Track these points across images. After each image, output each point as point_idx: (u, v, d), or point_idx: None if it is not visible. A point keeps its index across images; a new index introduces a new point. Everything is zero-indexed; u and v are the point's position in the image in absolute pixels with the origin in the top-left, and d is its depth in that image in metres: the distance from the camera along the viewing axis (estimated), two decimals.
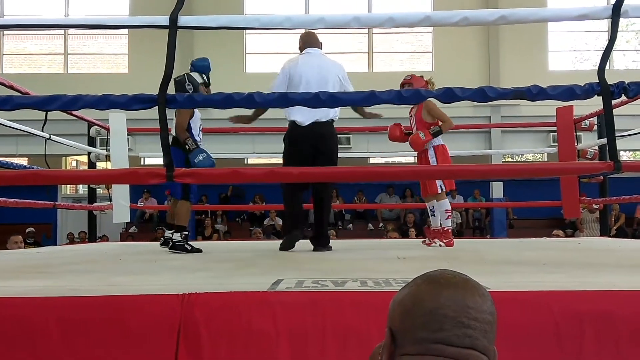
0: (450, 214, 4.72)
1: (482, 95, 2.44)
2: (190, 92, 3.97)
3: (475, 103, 6.37)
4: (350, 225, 13.38)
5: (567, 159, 5.39)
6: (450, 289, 0.91)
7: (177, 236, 4.18)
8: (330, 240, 4.37)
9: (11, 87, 4.03)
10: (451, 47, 12.97)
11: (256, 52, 13.59)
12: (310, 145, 4.25)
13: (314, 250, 4.19)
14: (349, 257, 3.52)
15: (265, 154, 12.03)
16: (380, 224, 13.12)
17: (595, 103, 2.67)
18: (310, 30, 4.54)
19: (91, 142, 5.93)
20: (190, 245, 4.17)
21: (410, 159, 13.24)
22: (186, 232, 4.25)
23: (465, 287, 0.92)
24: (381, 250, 4.26)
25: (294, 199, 4.43)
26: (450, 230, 4.71)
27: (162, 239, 4.69)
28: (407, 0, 13.64)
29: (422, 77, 4.72)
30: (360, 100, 2.92)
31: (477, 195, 13.12)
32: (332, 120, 4.32)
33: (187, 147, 4.12)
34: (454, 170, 3.32)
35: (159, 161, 2.71)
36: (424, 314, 0.89)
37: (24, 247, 6.65)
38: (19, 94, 3.83)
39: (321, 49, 4.48)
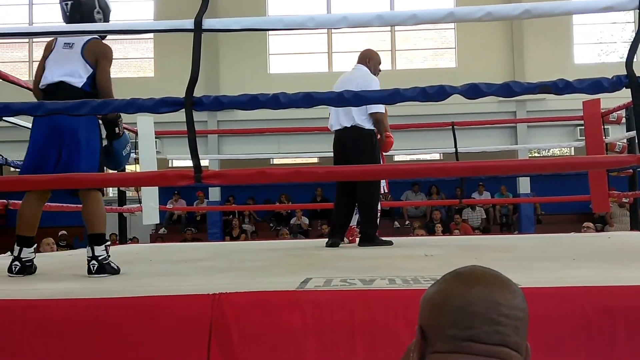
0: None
1: (507, 90, 2.43)
2: (101, 21, 2.94)
3: (500, 98, 6.32)
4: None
5: (595, 152, 5.31)
6: (480, 285, 0.90)
7: None
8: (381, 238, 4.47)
9: None
10: (474, 42, 12.87)
11: (280, 53, 13.64)
12: (339, 150, 4.51)
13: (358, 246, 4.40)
14: (377, 255, 3.53)
15: (290, 154, 12.09)
16: (407, 222, 13.07)
17: (623, 95, 2.63)
18: (367, 49, 4.73)
19: None
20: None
21: (436, 155, 13.20)
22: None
23: (495, 283, 0.91)
24: (408, 247, 4.26)
25: (337, 206, 4.63)
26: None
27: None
28: None
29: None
30: (384, 98, 2.92)
31: (504, 191, 12.98)
32: (357, 127, 4.39)
33: (116, 129, 3.03)
34: (480, 166, 3.30)
35: (187, 163, 2.74)
36: (454, 311, 0.89)
37: (56, 250, 6.78)
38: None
39: (364, 63, 4.56)
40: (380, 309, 1.72)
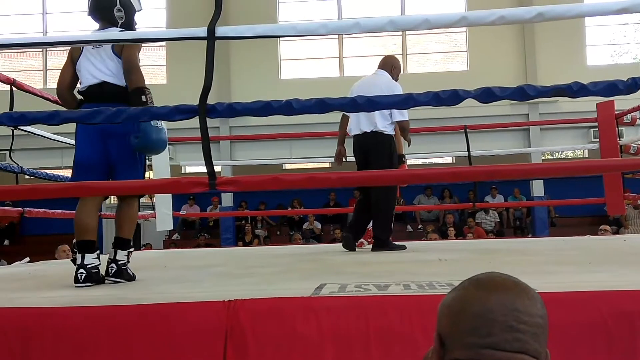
0: None
1: (521, 93, 2.41)
2: (122, 20, 2.89)
3: (513, 101, 6.29)
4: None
5: (609, 155, 5.27)
6: (499, 292, 0.90)
7: None
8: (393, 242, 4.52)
9: (56, 102, 4.15)
10: (486, 45, 12.83)
11: (291, 59, 13.67)
12: (359, 155, 4.55)
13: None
14: (391, 260, 3.52)
15: (302, 159, 12.09)
16: (419, 226, 13.03)
17: (638, 97, 2.62)
18: (390, 55, 4.79)
19: None
20: None
21: (448, 159, 13.16)
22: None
23: (514, 290, 0.91)
24: (422, 252, 4.24)
25: (357, 205, 4.73)
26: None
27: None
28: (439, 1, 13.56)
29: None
30: (397, 103, 2.92)
31: (517, 194, 12.92)
32: (378, 132, 4.42)
33: (142, 97, 2.74)
34: (494, 171, 3.29)
35: (199, 169, 2.76)
36: (473, 318, 0.88)
37: (72, 256, 6.82)
38: (64, 109, 3.94)
39: (386, 69, 4.60)
40: (395, 315, 1.72)
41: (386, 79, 4.48)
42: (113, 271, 2.71)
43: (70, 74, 2.88)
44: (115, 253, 2.75)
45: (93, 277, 2.63)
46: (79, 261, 2.65)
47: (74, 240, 2.89)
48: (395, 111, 4.34)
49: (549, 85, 2.47)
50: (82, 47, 2.85)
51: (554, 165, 3.44)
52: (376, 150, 4.44)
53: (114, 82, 2.80)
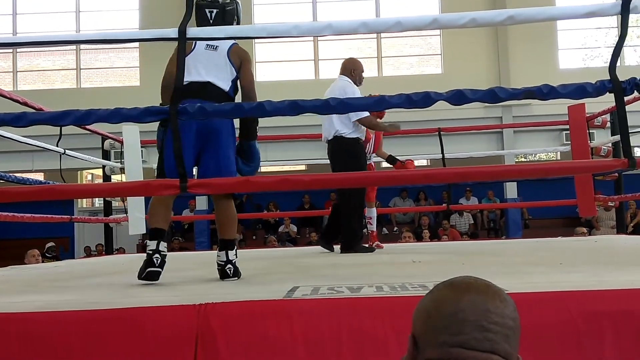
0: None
1: (492, 96, 2.43)
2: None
3: (486, 104, 6.33)
4: (365, 230, 13.35)
5: (580, 157, 5.35)
6: (471, 293, 0.91)
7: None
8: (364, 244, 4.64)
9: (25, 104, 4.08)
10: (460, 48, 12.94)
11: (266, 61, 13.64)
12: (330, 161, 4.68)
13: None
14: (365, 262, 3.52)
15: (278, 162, 12.05)
16: (395, 228, 13.08)
17: (608, 100, 2.65)
18: (348, 58, 4.87)
19: (105, 155, 5.97)
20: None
21: (423, 161, 13.23)
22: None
23: (487, 291, 0.92)
24: (396, 254, 4.25)
25: (331, 210, 4.96)
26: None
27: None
28: (413, 2, 13.66)
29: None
30: (369, 105, 2.92)
31: (491, 196, 13.04)
32: (338, 137, 4.50)
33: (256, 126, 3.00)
34: (466, 172, 3.31)
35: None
36: (445, 317, 0.89)
37: (42, 262, 6.70)
38: (33, 110, 3.87)
39: (346, 74, 4.66)
40: (367, 317, 1.71)
41: (342, 84, 4.51)
42: (231, 271, 2.76)
43: (174, 71, 2.70)
44: (227, 254, 2.80)
45: (164, 264, 2.68)
46: (152, 247, 2.66)
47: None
48: (352, 113, 4.36)
49: (520, 88, 2.49)
50: (194, 47, 2.89)
51: (526, 166, 3.47)
52: (337, 154, 4.54)
53: (219, 85, 2.88)
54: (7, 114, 2.51)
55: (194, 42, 2.86)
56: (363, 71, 4.70)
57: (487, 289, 0.93)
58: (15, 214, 4.61)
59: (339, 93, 4.26)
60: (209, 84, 2.84)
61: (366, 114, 4.43)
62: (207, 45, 2.90)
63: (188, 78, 2.78)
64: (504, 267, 2.94)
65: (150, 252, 2.65)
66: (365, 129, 4.59)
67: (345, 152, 4.48)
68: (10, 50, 13.16)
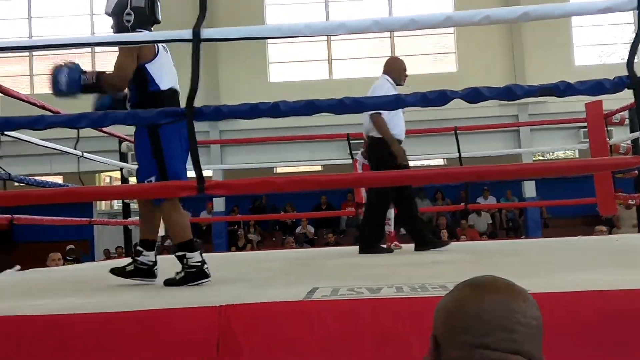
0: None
1: (509, 93, 2.41)
2: (129, 24, 2.81)
3: (502, 102, 6.27)
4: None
5: (599, 154, 5.29)
6: (494, 293, 0.90)
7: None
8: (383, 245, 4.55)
9: (43, 107, 4.12)
10: (474, 46, 12.87)
11: (280, 61, 13.66)
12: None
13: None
14: (384, 263, 3.51)
15: (293, 162, 12.07)
16: None
17: (626, 97, 2.62)
18: (390, 57, 5.00)
19: (123, 157, 6.01)
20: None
21: (439, 161, 13.17)
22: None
23: (509, 291, 0.91)
24: (416, 255, 4.23)
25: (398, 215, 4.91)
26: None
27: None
28: (427, 1, 13.61)
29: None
30: (385, 104, 2.91)
31: (509, 195, 12.94)
32: (371, 137, 4.48)
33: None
34: (484, 171, 3.29)
35: (190, 174, 2.73)
36: (467, 318, 0.89)
37: (64, 264, 6.76)
38: (50, 113, 3.91)
39: (386, 72, 4.61)
40: (388, 318, 1.70)
41: (379, 82, 4.51)
42: (180, 278, 2.71)
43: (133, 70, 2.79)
44: (183, 259, 2.76)
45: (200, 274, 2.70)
46: (198, 259, 2.71)
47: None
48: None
49: (536, 85, 2.47)
50: (158, 50, 2.84)
51: (544, 165, 3.44)
52: (370, 155, 4.60)
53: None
54: (25, 117, 2.53)
55: (157, 45, 2.82)
56: (405, 69, 4.65)
57: (509, 288, 0.92)
58: (35, 216, 4.66)
59: (371, 91, 4.33)
60: (176, 90, 2.89)
61: (379, 111, 4.41)
62: (163, 47, 2.88)
63: (170, 84, 2.85)
64: (524, 267, 2.92)
65: (199, 263, 2.69)
66: (403, 129, 4.55)
67: (373, 151, 4.51)
68: (27, 54, 13.29)
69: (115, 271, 2.91)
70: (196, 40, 2.40)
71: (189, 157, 2.54)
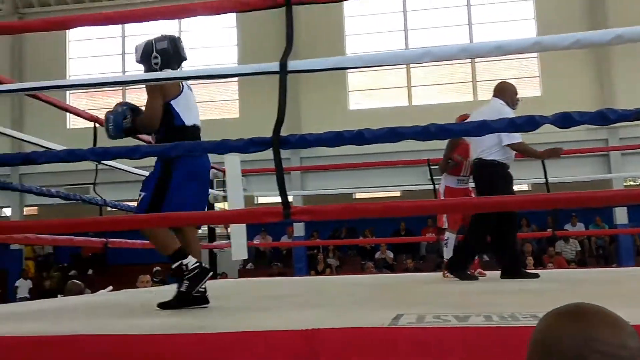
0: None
1: (602, 118, 2.33)
2: (157, 66, 3.03)
3: (590, 126, 6.03)
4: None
5: None
6: (598, 324, 0.87)
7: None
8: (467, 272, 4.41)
9: (137, 137, 4.33)
10: (559, 70, 12.50)
11: (359, 90, 13.77)
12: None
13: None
14: (471, 290, 3.44)
15: (372, 188, 12.06)
16: None
17: None
18: (500, 81, 4.81)
19: (209, 184, 6.20)
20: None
21: (524, 187, 12.78)
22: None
23: (613, 322, 0.88)
24: (502, 282, 4.12)
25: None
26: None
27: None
28: (508, 25, 13.38)
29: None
30: (470, 130, 2.88)
31: (599, 222, 12.38)
32: (479, 159, 4.44)
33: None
34: (574, 198, 3.17)
35: (271, 199, 2.80)
36: (570, 352, 0.86)
37: (152, 286, 7.03)
38: (144, 144, 4.11)
39: (499, 96, 4.56)
40: (478, 348, 1.67)
41: (497, 106, 4.37)
42: (172, 302, 2.86)
43: (162, 109, 2.98)
44: (178, 271, 2.90)
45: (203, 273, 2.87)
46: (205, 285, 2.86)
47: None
48: (503, 135, 4.20)
49: (631, 109, 2.37)
50: (183, 86, 3.03)
51: (636, 191, 3.27)
52: (477, 177, 4.55)
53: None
54: (123, 147, 2.67)
55: (182, 83, 2.99)
56: (517, 94, 4.60)
57: (608, 318, 0.88)
58: (127, 240, 4.89)
59: (494, 115, 4.19)
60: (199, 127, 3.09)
61: (519, 138, 4.35)
62: (187, 86, 3.07)
63: (193, 121, 3.03)
64: (619, 297, 2.78)
65: (197, 264, 2.85)
66: (513, 152, 4.46)
67: (482, 175, 4.48)
68: (120, 89, 14.02)
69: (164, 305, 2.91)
70: (283, 72, 2.47)
71: (274, 183, 2.61)
